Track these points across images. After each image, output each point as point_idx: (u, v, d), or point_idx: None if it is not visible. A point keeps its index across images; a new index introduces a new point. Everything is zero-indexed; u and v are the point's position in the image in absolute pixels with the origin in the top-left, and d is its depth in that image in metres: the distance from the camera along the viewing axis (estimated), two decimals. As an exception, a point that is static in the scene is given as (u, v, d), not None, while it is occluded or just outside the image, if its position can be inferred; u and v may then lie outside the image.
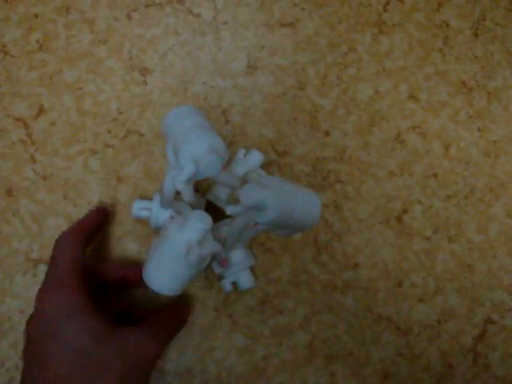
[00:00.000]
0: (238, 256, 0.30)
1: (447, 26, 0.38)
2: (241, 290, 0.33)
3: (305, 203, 0.26)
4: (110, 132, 0.35)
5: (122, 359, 0.25)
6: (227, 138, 0.35)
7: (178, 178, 0.25)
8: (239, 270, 0.30)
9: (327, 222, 0.35)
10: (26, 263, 0.33)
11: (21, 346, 0.32)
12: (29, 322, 0.26)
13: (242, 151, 0.31)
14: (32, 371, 0.24)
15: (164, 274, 0.25)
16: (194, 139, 0.25)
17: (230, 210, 0.25)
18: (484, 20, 0.39)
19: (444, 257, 0.36)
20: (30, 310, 0.32)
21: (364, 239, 0.35)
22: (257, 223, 0.26)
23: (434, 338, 0.35)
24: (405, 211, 0.36)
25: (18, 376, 0.32)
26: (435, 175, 0.36)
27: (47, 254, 0.33)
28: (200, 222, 0.24)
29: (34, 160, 0.34)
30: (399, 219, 0.36)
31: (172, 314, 0.30)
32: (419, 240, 0.36)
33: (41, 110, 0.35)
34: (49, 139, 0.34)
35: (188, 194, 0.27)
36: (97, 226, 0.31)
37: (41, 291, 0.26)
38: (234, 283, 0.32)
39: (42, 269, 0.33)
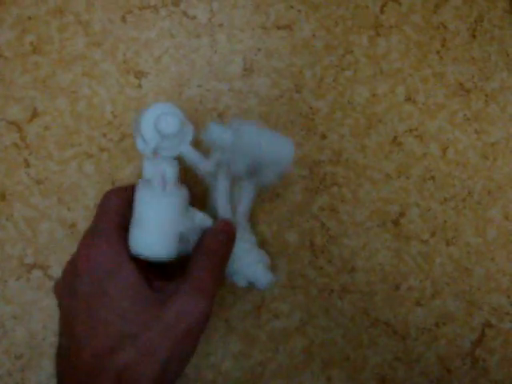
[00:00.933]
0: (254, 255, 0.29)
1: (444, 27, 0.38)
2: (259, 289, 0.31)
3: (272, 139, 0.27)
4: (104, 135, 0.34)
5: (176, 325, 0.23)
6: (223, 141, 0.35)
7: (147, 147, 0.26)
8: (255, 269, 0.29)
9: (324, 225, 0.35)
10: (20, 268, 0.33)
11: (14, 353, 0.32)
12: (72, 273, 0.24)
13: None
14: (79, 332, 0.23)
15: (147, 232, 0.24)
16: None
17: (203, 166, 0.26)
18: (481, 22, 0.39)
19: (442, 260, 0.35)
20: (24, 316, 0.32)
21: (361, 242, 0.35)
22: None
23: (432, 342, 0.34)
24: (402, 214, 0.36)
25: (11, 383, 0.31)
26: (432, 178, 0.36)
27: (41, 258, 0.33)
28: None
29: (27, 164, 0.34)
30: (396, 222, 0.35)
31: (212, 241, 0.26)
32: (416, 243, 0.35)
33: (34, 114, 0.34)
34: (43, 143, 0.34)
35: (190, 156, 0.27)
36: None
37: (84, 243, 0.24)
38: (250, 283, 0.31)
39: (36, 274, 0.32)
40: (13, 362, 0.32)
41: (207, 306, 0.23)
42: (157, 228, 0.24)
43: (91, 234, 0.25)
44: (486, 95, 0.38)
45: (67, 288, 0.24)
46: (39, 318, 0.32)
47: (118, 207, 0.25)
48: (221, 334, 0.33)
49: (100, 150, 0.34)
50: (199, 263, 0.25)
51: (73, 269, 0.24)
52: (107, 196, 0.26)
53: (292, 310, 0.34)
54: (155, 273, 0.26)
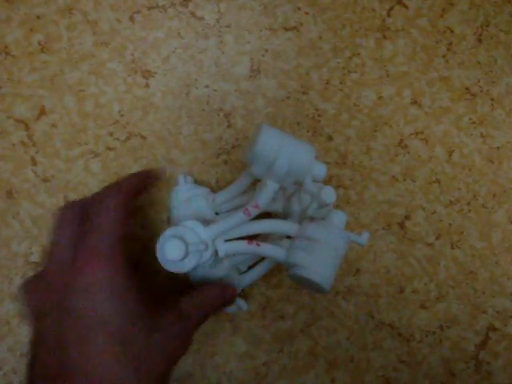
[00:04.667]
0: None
1: (451, 31, 0.38)
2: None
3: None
4: (111, 134, 0.35)
5: (164, 355, 0.23)
6: (230, 142, 0.35)
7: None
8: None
9: (329, 227, 0.35)
10: (26, 266, 0.32)
11: (19, 350, 0.32)
12: (63, 287, 0.22)
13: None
14: (65, 352, 0.21)
15: (323, 263, 0.25)
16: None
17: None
18: (487, 26, 0.39)
19: (446, 263, 0.35)
20: (29, 314, 0.32)
21: (366, 245, 0.35)
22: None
23: (436, 344, 0.34)
24: (407, 217, 0.36)
25: (16, 380, 0.31)
26: (438, 181, 0.36)
27: (47, 257, 0.33)
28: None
29: (34, 162, 0.34)
30: (402, 225, 0.35)
31: (218, 289, 0.27)
32: (422, 246, 0.35)
33: (42, 112, 0.34)
34: (50, 141, 0.34)
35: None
36: (144, 187, 0.27)
37: (80, 257, 0.22)
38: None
39: (42, 272, 0.32)
40: (17, 359, 0.31)
41: (187, 346, 0.25)
42: (333, 262, 0.25)
43: (89, 246, 0.23)
44: (492, 99, 0.38)
45: (55, 302, 0.22)
46: (44, 316, 0.32)
47: (119, 214, 0.24)
48: (226, 334, 0.33)
49: (107, 148, 0.34)
50: (192, 310, 0.25)
51: (65, 281, 0.22)
52: (105, 200, 0.24)
53: (297, 311, 0.34)
54: (148, 297, 0.25)
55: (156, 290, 0.30)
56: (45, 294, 0.23)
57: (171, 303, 0.25)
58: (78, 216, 0.25)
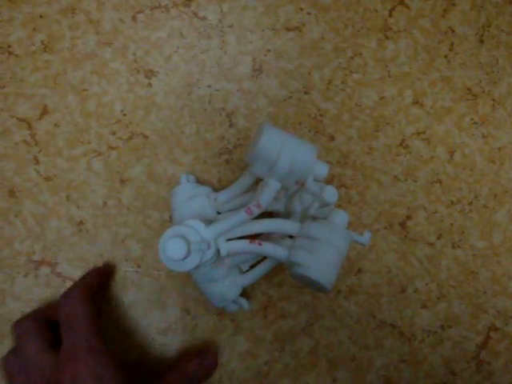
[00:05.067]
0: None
1: (452, 32, 0.38)
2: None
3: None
4: (114, 134, 0.35)
5: None
6: (232, 142, 0.35)
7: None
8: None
9: (331, 227, 0.35)
10: (28, 265, 0.33)
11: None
12: None
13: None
14: None
15: (325, 263, 0.25)
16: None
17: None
18: (489, 27, 0.39)
19: (448, 263, 0.35)
20: (31, 313, 0.32)
21: (368, 244, 0.35)
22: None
23: (438, 344, 0.35)
24: (409, 217, 0.36)
25: (18, 379, 0.31)
26: (439, 181, 0.36)
27: (49, 255, 0.33)
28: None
29: (37, 161, 0.34)
30: (403, 225, 0.36)
31: (196, 363, 0.29)
32: (423, 246, 0.35)
33: (45, 111, 0.34)
34: (52, 140, 0.34)
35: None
36: (101, 283, 0.30)
37: (66, 357, 0.24)
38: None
39: (44, 271, 0.32)
40: (20, 358, 0.32)
41: None
42: (334, 261, 0.25)
43: (66, 349, 0.24)
44: (494, 100, 0.38)
45: None
46: (46, 314, 0.32)
47: (90, 309, 0.25)
48: (227, 333, 0.33)
49: (109, 147, 0.34)
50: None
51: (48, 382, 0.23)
52: (72, 299, 0.26)
53: (299, 311, 0.34)
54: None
55: (137, 372, 0.31)
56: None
57: None
58: (44, 325, 0.27)
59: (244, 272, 0.31)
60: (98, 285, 0.30)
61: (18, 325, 0.27)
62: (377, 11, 0.38)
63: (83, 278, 0.30)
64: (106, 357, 0.24)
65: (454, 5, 0.39)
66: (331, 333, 0.34)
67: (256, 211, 0.26)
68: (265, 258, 0.30)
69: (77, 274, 0.33)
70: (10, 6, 0.35)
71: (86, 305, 0.26)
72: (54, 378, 0.23)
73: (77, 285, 0.28)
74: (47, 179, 0.34)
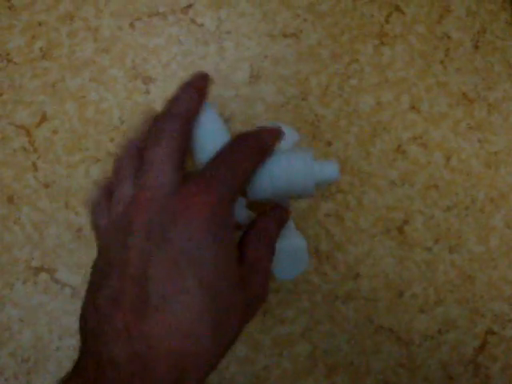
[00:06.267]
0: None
1: (448, 37, 0.39)
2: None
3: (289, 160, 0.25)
4: (112, 140, 0.35)
5: (246, 309, 0.21)
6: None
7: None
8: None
9: (328, 232, 0.35)
10: (27, 271, 0.33)
11: (20, 356, 0.32)
12: (160, 210, 0.19)
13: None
14: (158, 286, 0.18)
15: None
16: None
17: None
18: (484, 32, 0.39)
19: (445, 267, 0.36)
20: (31, 319, 0.32)
21: (365, 249, 0.35)
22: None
23: (435, 348, 0.35)
24: (406, 222, 0.36)
25: (17, 386, 0.31)
26: (436, 186, 0.37)
27: (48, 262, 0.33)
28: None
29: (35, 168, 0.34)
30: (400, 230, 0.36)
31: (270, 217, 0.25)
32: (420, 251, 0.36)
33: (43, 118, 0.35)
34: (51, 147, 0.34)
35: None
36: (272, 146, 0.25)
37: (186, 188, 0.20)
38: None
39: (43, 277, 0.33)
40: (19, 364, 0.32)
41: (268, 288, 0.23)
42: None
43: (206, 181, 0.20)
44: (489, 105, 0.38)
45: (147, 227, 0.19)
46: (45, 321, 0.32)
47: (247, 168, 0.22)
48: (226, 338, 0.33)
49: (107, 154, 0.35)
50: (256, 247, 0.24)
51: (164, 207, 0.20)
52: (239, 143, 0.22)
53: (297, 316, 0.34)
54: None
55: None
56: (136, 215, 0.20)
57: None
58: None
59: None
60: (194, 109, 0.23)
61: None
62: (373, 17, 0.38)
63: (176, 102, 0.23)
64: (230, 212, 0.21)
65: (449, 11, 0.39)
66: (329, 338, 0.34)
67: None
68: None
69: (76, 280, 0.33)
70: (8, 13, 0.36)
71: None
72: (173, 206, 0.20)
73: (170, 112, 0.23)
74: (46, 186, 0.34)
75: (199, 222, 0.19)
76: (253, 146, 0.23)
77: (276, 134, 0.25)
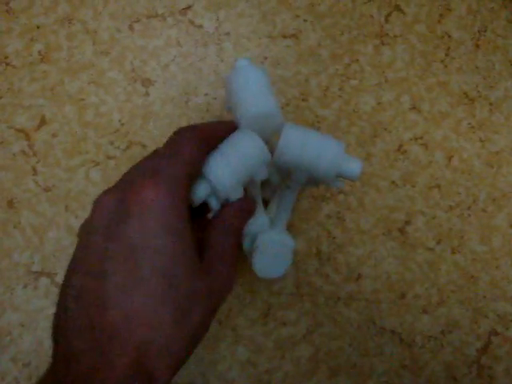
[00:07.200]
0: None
1: (449, 37, 0.38)
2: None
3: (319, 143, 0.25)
4: (111, 143, 0.35)
5: (210, 297, 0.21)
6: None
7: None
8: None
9: (330, 234, 0.35)
10: (27, 276, 0.33)
11: (21, 360, 0.32)
12: (117, 209, 0.20)
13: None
14: (116, 276, 0.19)
15: None
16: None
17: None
18: (485, 31, 0.39)
19: (447, 268, 0.35)
20: (31, 324, 0.32)
21: (367, 250, 0.35)
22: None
23: (438, 349, 0.34)
24: (408, 222, 0.36)
25: (18, 391, 0.31)
26: (438, 186, 0.36)
27: (48, 266, 0.33)
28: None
29: (35, 171, 0.34)
30: (402, 230, 0.36)
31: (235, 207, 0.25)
32: (422, 251, 0.35)
33: (42, 122, 0.35)
34: (50, 150, 0.34)
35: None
36: (222, 137, 0.25)
37: (145, 181, 0.20)
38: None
39: (43, 281, 0.32)
40: (20, 369, 0.31)
41: (234, 278, 0.23)
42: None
43: (153, 173, 0.21)
44: (491, 104, 0.38)
45: (105, 224, 0.20)
46: (46, 325, 0.32)
47: (192, 152, 0.22)
48: (228, 342, 0.33)
49: (107, 157, 0.34)
50: (221, 237, 0.24)
51: (119, 204, 0.20)
52: (181, 134, 0.23)
53: (299, 318, 0.34)
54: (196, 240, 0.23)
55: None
56: (96, 216, 0.21)
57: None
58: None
59: None
60: (217, 137, 0.25)
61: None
62: (373, 17, 0.38)
63: (206, 124, 0.25)
64: (185, 206, 0.21)
65: (449, 10, 0.39)
66: (331, 340, 0.34)
67: None
68: None
69: (76, 284, 0.33)
70: (6, 17, 0.36)
71: (195, 140, 0.23)
72: (128, 197, 0.20)
73: (197, 126, 0.24)
74: (46, 190, 0.34)
75: (151, 213, 0.20)
76: (196, 134, 0.23)
77: (228, 127, 0.26)
